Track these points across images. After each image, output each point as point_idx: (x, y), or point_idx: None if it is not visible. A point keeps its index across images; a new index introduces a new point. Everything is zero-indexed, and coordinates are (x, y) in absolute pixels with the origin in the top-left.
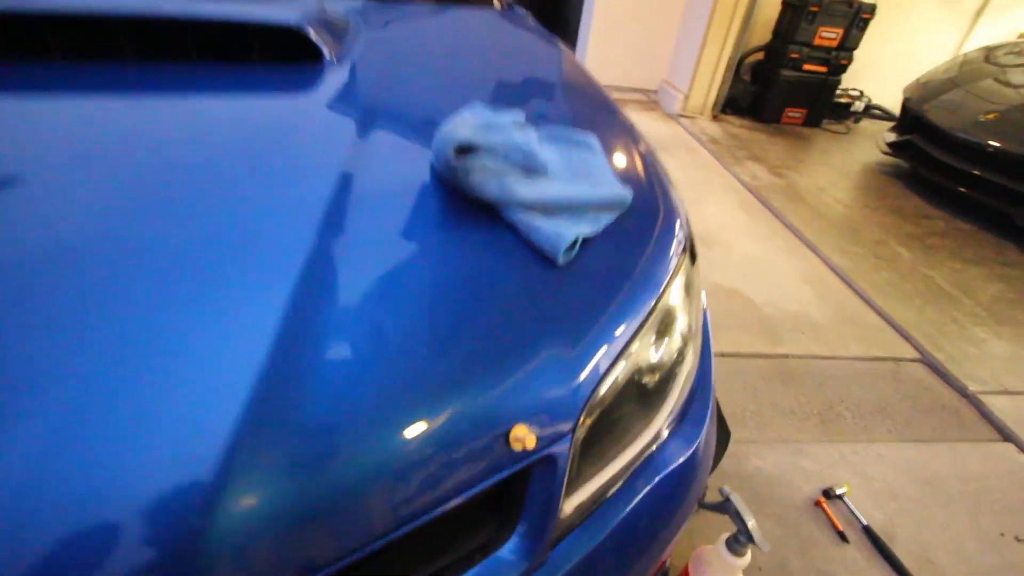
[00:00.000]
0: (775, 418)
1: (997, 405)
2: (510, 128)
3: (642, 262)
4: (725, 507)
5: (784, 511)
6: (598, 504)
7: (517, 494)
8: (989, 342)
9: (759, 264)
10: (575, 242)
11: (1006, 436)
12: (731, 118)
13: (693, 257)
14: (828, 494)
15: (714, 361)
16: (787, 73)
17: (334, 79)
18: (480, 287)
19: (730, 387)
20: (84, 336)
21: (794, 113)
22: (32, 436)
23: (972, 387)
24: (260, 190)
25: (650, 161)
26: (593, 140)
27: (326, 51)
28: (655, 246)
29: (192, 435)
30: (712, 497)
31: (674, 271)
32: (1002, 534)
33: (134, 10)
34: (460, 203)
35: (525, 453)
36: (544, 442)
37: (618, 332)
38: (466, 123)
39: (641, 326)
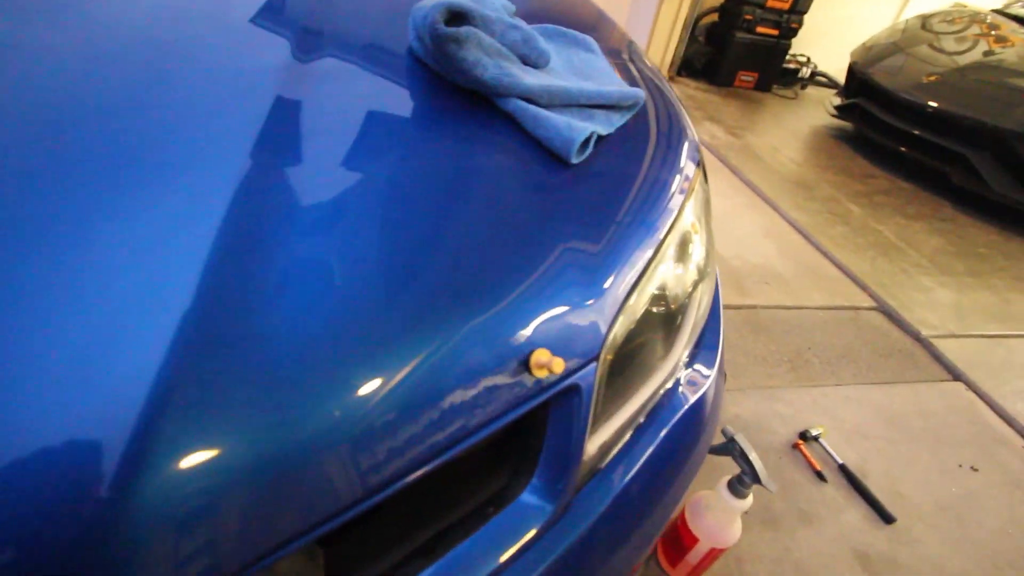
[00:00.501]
0: (748, 366)
1: (946, 347)
2: (502, 10)
3: (660, 172)
4: (729, 448)
5: (765, 455)
6: (620, 444)
7: (534, 434)
8: (935, 290)
9: (724, 219)
10: (589, 138)
11: (956, 376)
12: (686, 80)
13: (705, 176)
14: (805, 436)
15: None
16: (740, 35)
17: None
18: (479, 188)
19: None
20: None
21: (746, 77)
22: None
23: (924, 332)
24: (209, 66)
25: (655, 71)
26: (591, 42)
27: None
28: (671, 156)
29: (107, 380)
30: (714, 439)
31: (691, 188)
32: (960, 465)
33: None
34: (447, 89)
35: (550, 382)
36: (568, 370)
37: (640, 248)
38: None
39: (662, 243)
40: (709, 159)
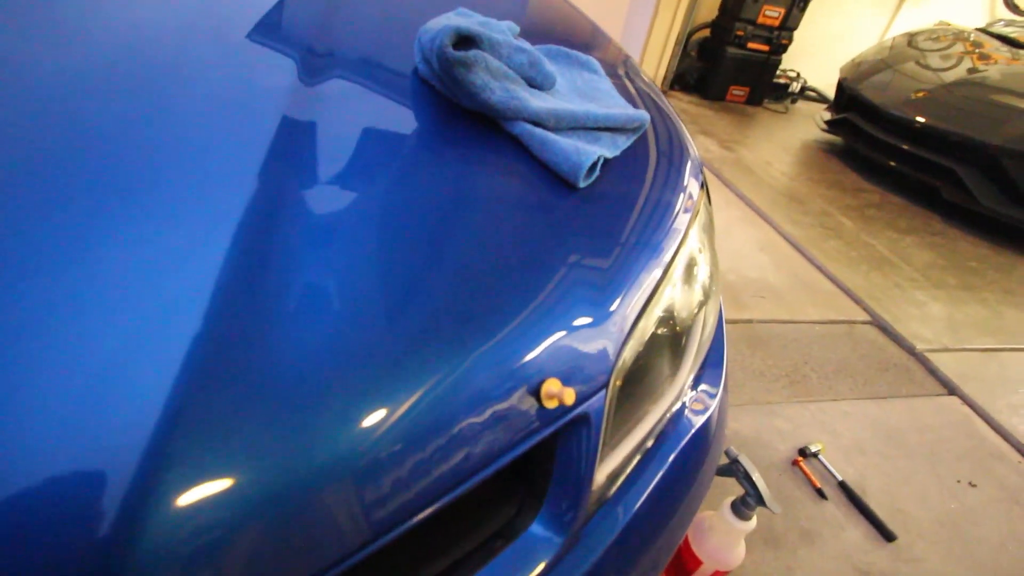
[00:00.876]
0: (746, 381)
1: (941, 361)
2: (508, 33)
3: (664, 193)
4: (733, 469)
5: (765, 472)
6: (628, 471)
7: (543, 464)
8: (928, 304)
9: (719, 233)
10: (596, 162)
11: (951, 390)
12: (679, 94)
13: (708, 196)
14: (804, 453)
15: None
16: (732, 50)
17: None
18: (489, 213)
19: None
20: None
21: (738, 91)
22: None
23: (919, 346)
24: (219, 87)
25: (653, 88)
26: (595, 63)
27: None
28: (675, 176)
29: (112, 412)
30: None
31: (695, 209)
32: (958, 481)
33: None
34: (454, 112)
35: (560, 412)
36: (578, 398)
37: (646, 270)
38: (458, 19)
39: (669, 265)
40: (707, 173)
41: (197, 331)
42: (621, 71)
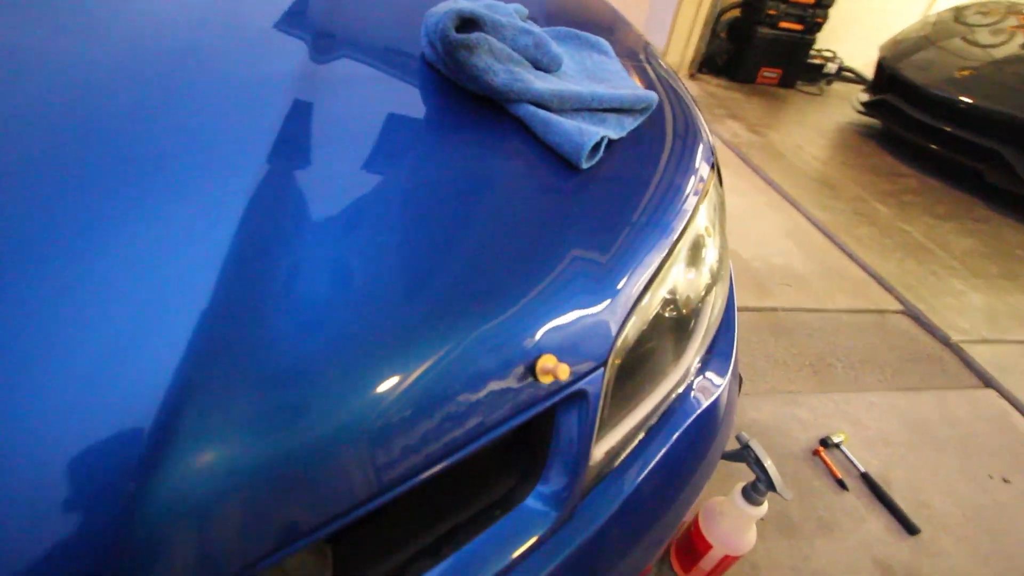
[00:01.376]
0: (768, 370)
1: (978, 353)
2: (513, 14)
3: (672, 175)
4: (743, 455)
5: (783, 461)
6: (628, 449)
7: (542, 438)
8: (967, 294)
9: (744, 219)
10: (600, 143)
11: (987, 383)
12: (707, 77)
13: (719, 179)
14: (825, 443)
15: None
16: (764, 30)
17: None
18: (489, 193)
19: None
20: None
21: (769, 73)
22: None
23: (954, 336)
24: (227, 71)
25: (670, 73)
26: (605, 44)
27: None
28: (685, 159)
29: (128, 377)
30: (728, 445)
31: (704, 190)
32: (990, 476)
33: None
34: (459, 95)
35: (556, 387)
36: (575, 375)
37: (650, 252)
38: (463, 3)
39: (674, 247)
40: (730, 158)
41: (207, 302)
42: (637, 54)
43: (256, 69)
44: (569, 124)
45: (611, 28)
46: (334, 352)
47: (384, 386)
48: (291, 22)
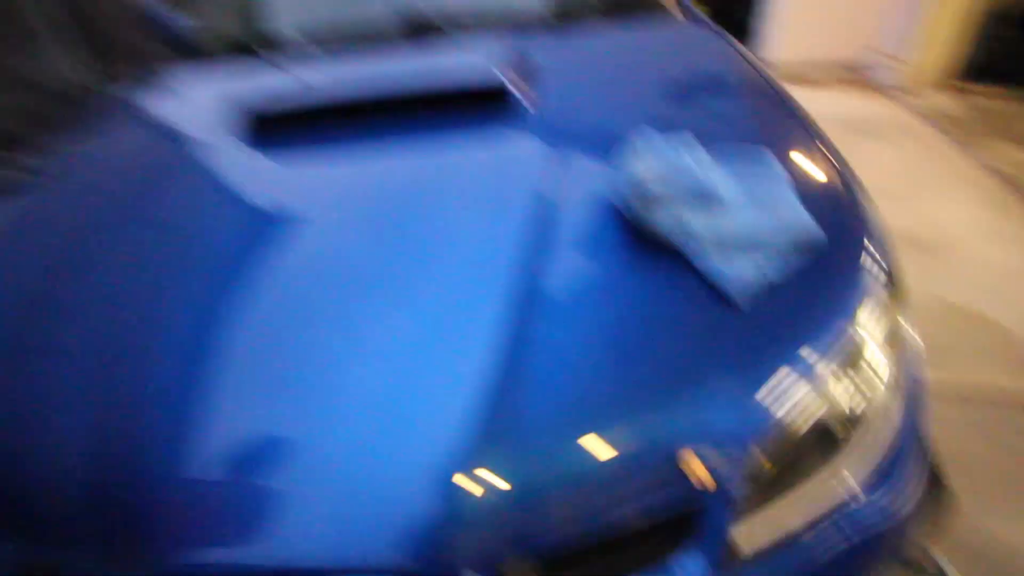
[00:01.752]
0: (1020, 474)
1: None
2: (691, 168)
3: (827, 296)
4: (922, 567)
5: None
6: (777, 548)
7: (682, 525)
8: None
9: (1009, 276)
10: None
11: None
12: (977, 87)
13: (898, 290)
14: None
15: (941, 404)
16: None
17: (532, 128)
18: (660, 320)
19: (962, 436)
20: (352, 353)
21: None
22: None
23: None
24: (477, 228)
25: (840, 172)
26: (771, 159)
27: (526, 103)
28: (843, 278)
29: (441, 429)
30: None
31: (875, 298)
32: None
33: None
34: (644, 238)
35: (698, 482)
36: (716, 475)
37: (797, 372)
38: (647, 164)
39: (825, 366)
40: (996, 195)
41: (481, 384)
42: (806, 152)
43: (491, 233)
44: (730, 272)
45: (785, 125)
46: (565, 424)
47: (576, 459)
48: (512, 187)
